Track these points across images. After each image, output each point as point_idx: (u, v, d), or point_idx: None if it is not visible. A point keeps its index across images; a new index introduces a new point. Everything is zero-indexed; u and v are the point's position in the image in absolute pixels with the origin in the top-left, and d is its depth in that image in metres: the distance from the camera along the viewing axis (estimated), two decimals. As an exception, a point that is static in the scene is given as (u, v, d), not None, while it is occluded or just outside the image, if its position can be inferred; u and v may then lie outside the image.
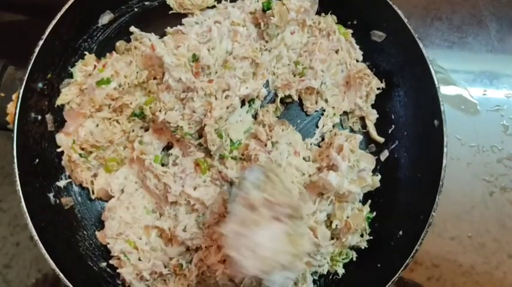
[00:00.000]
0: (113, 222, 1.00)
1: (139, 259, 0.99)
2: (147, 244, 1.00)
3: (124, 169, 1.05)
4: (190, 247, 1.01)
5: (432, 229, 1.12)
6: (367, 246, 1.04)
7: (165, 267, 1.01)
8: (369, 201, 1.06)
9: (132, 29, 1.07)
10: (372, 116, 1.10)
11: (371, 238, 1.04)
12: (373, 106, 1.11)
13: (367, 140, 1.11)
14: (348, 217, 1.03)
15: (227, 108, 0.98)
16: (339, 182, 0.98)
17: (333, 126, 1.10)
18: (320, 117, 1.11)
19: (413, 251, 0.95)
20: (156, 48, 0.99)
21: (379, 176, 1.06)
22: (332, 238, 1.04)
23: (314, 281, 1.04)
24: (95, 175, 1.04)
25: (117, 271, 1.00)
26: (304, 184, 1.04)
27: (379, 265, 1.01)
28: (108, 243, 1.00)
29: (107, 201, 1.05)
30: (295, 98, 1.10)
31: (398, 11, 1.02)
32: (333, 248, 1.04)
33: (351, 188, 1.00)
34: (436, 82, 0.99)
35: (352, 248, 1.06)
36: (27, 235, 1.15)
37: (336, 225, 1.02)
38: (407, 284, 1.14)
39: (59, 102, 1.04)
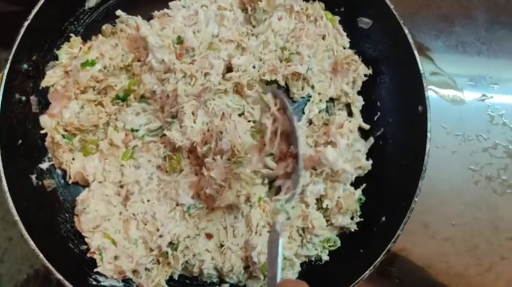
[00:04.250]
0: (88, 216, 0.98)
1: (117, 258, 0.97)
2: (126, 239, 0.99)
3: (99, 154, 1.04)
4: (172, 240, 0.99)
5: (425, 231, 1.13)
6: (357, 228, 1.04)
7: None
8: (364, 185, 1.06)
9: (119, 12, 1.07)
10: (358, 102, 1.11)
11: (361, 220, 1.04)
12: (359, 93, 1.11)
13: (353, 127, 1.11)
14: (339, 197, 1.03)
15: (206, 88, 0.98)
16: (335, 158, 0.99)
17: (319, 112, 1.11)
18: (306, 104, 1.11)
19: (395, 237, 0.94)
20: (140, 28, 1.00)
21: (371, 161, 1.06)
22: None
23: (296, 267, 1.04)
24: (74, 158, 1.03)
25: (95, 270, 0.97)
26: None
27: (361, 251, 1.00)
28: (86, 237, 0.99)
29: (83, 186, 1.05)
30: (282, 83, 1.10)
31: (384, -3, 1.02)
32: (326, 234, 1.04)
33: (345, 167, 1.01)
34: (420, 68, 0.99)
35: (341, 233, 1.06)
36: (20, 230, 1.13)
37: (327, 205, 1.03)
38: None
39: (43, 84, 1.04)
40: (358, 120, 1.09)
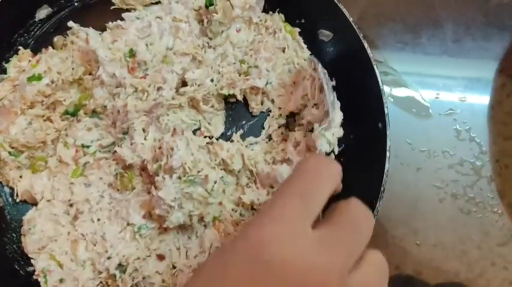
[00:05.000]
0: (34, 236, 0.95)
1: (63, 281, 0.93)
2: (73, 261, 0.95)
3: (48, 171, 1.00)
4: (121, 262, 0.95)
5: (415, 236, 1.10)
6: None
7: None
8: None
9: (70, 24, 1.03)
10: (319, 118, 1.07)
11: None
12: (320, 108, 1.07)
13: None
14: None
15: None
16: (289, 172, 0.95)
17: (279, 127, 1.07)
18: (266, 119, 1.08)
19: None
20: (90, 40, 0.96)
21: None
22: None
23: None
24: (22, 176, 1.00)
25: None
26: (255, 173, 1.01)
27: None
28: (32, 258, 0.95)
29: (32, 204, 1.01)
30: (240, 97, 1.06)
31: (344, 10, 0.98)
32: None
33: None
34: (380, 83, 0.96)
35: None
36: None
37: None
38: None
39: (-10, 98, 1.00)
40: (318, 136, 1.05)
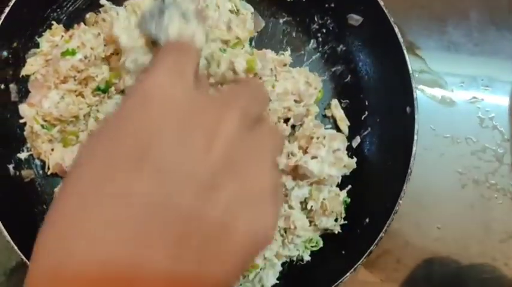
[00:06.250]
0: None
1: None
2: None
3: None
4: None
5: (417, 230, 1.11)
6: (340, 231, 1.02)
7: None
8: (349, 186, 1.03)
9: (103, 1, 1.04)
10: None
11: (345, 222, 1.02)
12: (347, 91, 1.09)
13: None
14: (324, 199, 1.00)
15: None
16: (319, 168, 0.96)
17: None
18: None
19: (378, 239, 0.93)
20: (114, 27, 0.95)
21: (355, 159, 1.03)
22: (306, 224, 1.02)
23: (277, 266, 1.02)
24: (53, 149, 1.01)
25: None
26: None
27: (343, 252, 0.99)
28: None
29: (62, 178, 1.02)
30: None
31: (375, -7, 0.99)
32: (308, 235, 1.01)
33: (331, 172, 0.98)
34: (410, 68, 0.97)
35: (323, 233, 1.03)
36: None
37: (312, 206, 1.00)
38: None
39: (24, 72, 1.01)
40: (338, 122, 1.07)
